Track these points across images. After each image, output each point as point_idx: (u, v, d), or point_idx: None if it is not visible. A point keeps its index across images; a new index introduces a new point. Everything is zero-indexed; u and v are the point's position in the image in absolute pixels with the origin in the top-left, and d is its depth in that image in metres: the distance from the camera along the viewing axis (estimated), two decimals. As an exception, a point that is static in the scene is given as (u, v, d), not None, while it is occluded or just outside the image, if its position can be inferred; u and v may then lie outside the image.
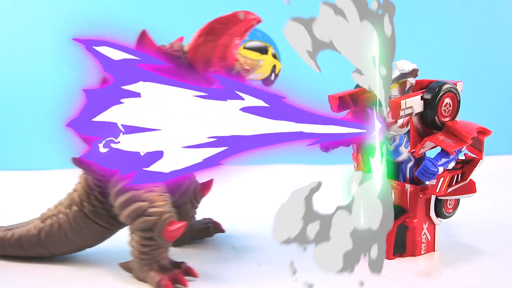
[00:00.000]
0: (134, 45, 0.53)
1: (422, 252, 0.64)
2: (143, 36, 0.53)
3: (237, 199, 0.81)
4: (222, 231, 0.72)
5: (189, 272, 0.57)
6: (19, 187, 1.13)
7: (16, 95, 1.34)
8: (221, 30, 0.53)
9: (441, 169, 0.60)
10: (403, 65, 0.62)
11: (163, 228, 0.53)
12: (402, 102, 0.57)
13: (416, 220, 0.63)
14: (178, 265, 0.57)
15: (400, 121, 0.61)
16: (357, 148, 0.68)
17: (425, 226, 0.64)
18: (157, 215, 0.53)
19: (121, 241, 0.63)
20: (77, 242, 0.61)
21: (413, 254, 0.64)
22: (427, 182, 0.62)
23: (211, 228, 0.71)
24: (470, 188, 0.63)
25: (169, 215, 0.54)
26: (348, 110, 0.65)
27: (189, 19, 1.33)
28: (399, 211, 0.63)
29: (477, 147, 0.62)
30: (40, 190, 1.08)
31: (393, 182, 0.64)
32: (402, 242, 0.64)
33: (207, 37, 0.54)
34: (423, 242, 0.64)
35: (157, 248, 0.54)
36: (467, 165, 0.63)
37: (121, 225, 0.61)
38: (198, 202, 0.67)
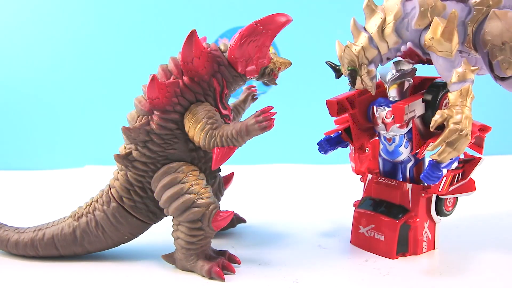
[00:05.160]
0: (183, 44, 0.56)
1: (424, 250, 0.64)
2: (192, 36, 0.56)
3: (237, 199, 0.81)
4: (244, 221, 0.77)
5: (233, 259, 0.60)
6: (19, 187, 1.13)
7: (16, 96, 1.34)
8: (262, 30, 0.57)
9: (445, 170, 0.59)
10: (402, 65, 0.62)
11: (211, 218, 0.56)
12: (406, 107, 0.58)
13: (418, 219, 0.63)
14: (222, 253, 0.61)
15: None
16: (354, 149, 0.68)
17: (426, 225, 0.64)
18: (205, 206, 0.56)
19: (150, 236, 0.66)
20: (115, 238, 0.62)
21: (415, 253, 0.64)
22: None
23: (234, 219, 0.75)
24: (470, 187, 0.63)
25: (215, 205, 0.57)
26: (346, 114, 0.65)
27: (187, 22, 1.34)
28: (401, 211, 0.63)
29: (478, 143, 0.63)
30: (40, 190, 1.08)
31: (393, 181, 0.65)
32: (404, 242, 0.63)
33: (249, 38, 0.57)
34: (424, 241, 0.64)
35: (204, 238, 0.57)
36: (468, 164, 0.63)
37: (158, 219, 0.63)
38: (222, 194, 0.69)
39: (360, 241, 0.67)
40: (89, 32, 1.34)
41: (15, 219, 0.69)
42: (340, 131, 0.68)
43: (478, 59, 0.61)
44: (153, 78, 0.55)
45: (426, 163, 0.61)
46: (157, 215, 0.62)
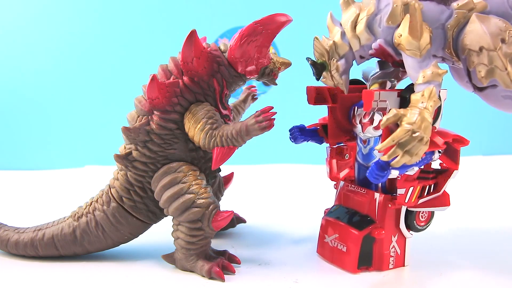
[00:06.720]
0: (183, 44, 0.56)
1: (390, 266, 0.59)
2: (192, 36, 0.56)
3: (237, 199, 0.81)
4: (244, 221, 0.77)
5: (233, 259, 0.61)
6: (19, 187, 1.13)
7: (16, 96, 1.34)
8: (262, 31, 0.57)
9: (395, 172, 0.53)
10: (386, 65, 0.59)
11: (211, 218, 0.56)
12: (376, 93, 0.53)
13: (383, 231, 0.58)
14: (222, 253, 0.61)
15: (375, 122, 0.58)
16: (330, 152, 0.65)
17: (394, 239, 0.59)
18: (204, 206, 0.56)
19: (150, 236, 0.66)
20: (115, 238, 0.62)
21: (380, 268, 0.59)
22: (397, 192, 0.56)
23: (234, 219, 0.75)
24: (444, 201, 0.59)
25: (215, 205, 0.57)
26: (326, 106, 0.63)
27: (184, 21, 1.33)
28: (366, 221, 0.59)
29: (452, 157, 0.58)
30: (40, 190, 1.08)
31: (362, 189, 0.61)
32: (368, 255, 0.59)
33: (249, 38, 0.57)
34: (392, 256, 0.59)
35: (204, 238, 0.58)
36: (441, 176, 0.59)
37: (158, 219, 0.63)
38: (222, 194, 0.69)
39: (324, 251, 0.63)
40: (89, 33, 1.34)
41: (15, 219, 0.69)
42: (317, 127, 0.65)
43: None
44: (153, 78, 0.55)
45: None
46: (157, 215, 0.62)
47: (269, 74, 0.61)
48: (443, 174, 0.59)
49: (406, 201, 0.56)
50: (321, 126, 0.65)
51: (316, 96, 0.62)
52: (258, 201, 0.94)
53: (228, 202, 0.71)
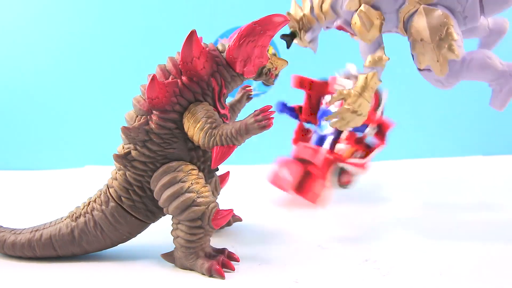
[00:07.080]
0: (183, 44, 0.56)
1: (311, 199, 0.82)
2: (192, 36, 0.56)
3: (236, 198, 0.81)
4: (240, 219, 0.77)
5: (232, 257, 0.61)
6: (19, 187, 1.13)
7: (16, 96, 1.34)
8: (260, 31, 0.57)
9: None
10: (351, 69, 0.81)
11: (211, 217, 0.57)
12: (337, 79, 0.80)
13: (318, 171, 0.81)
14: (221, 251, 0.61)
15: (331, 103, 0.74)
16: (297, 127, 0.91)
17: (322, 182, 0.81)
18: (205, 204, 0.57)
19: (150, 235, 0.66)
20: (113, 238, 0.62)
21: (304, 197, 0.83)
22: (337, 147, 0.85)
23: (230, 218, 0.74)
24: (364, 168, 0.85)
25: (214, 204, 0.58)
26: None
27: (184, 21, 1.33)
28: (309, 162, 0.84)
29: (382, 135, 0.86)
30: (40, 190, 1.08)
31: (313, 146, 0.85)
32: (302, 184, 0.82)
33: (247, 38, 0.57)
34: (316, 193, 0.81)
35: (204, 236, 0.58)
36: (371, 150, 0.85)
37: (156, 218, 0.63)
38: (218, 193, 0.69)
39: (274, 179, 0.89)
40: (89, 33, 1.34)
41: (15, 219, 0.69)
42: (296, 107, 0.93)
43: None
44: (153, 78, 0.56)
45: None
46: (155, 214, 0.62)
47: (266, 74, 0.61)
48: (373, 149, 0.85)
49: (340, 154, 0.84)
50: (298, 107, 0.93)
51: (299, 82, 0.88)
52: (257, 201, 0.94)
53: (228, 202, 0.71)
